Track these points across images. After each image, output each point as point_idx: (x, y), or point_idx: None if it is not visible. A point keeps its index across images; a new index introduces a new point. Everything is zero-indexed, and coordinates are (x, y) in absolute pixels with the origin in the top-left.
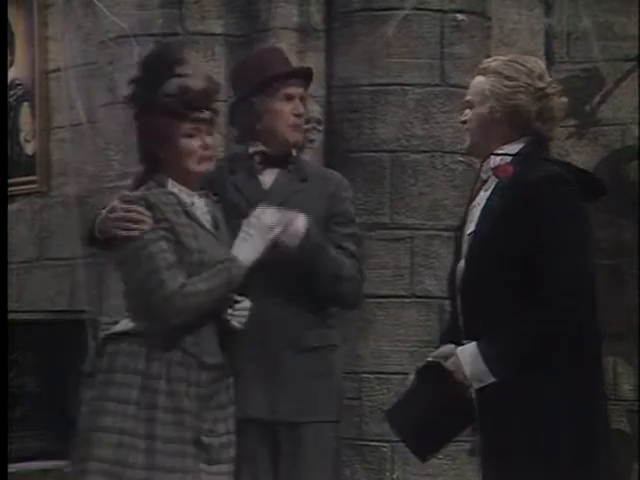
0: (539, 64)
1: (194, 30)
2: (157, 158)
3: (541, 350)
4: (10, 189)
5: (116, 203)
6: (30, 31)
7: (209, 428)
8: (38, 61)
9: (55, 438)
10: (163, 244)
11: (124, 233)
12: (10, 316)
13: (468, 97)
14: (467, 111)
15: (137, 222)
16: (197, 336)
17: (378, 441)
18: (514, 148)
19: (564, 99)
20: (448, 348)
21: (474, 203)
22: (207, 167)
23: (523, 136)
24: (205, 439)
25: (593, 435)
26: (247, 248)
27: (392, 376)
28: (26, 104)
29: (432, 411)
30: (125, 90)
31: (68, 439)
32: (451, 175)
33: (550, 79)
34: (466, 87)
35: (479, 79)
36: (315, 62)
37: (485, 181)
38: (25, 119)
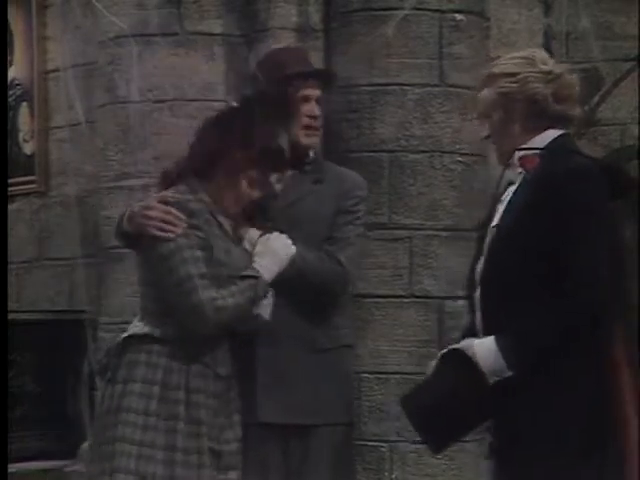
0: (537, 52)
1: (193, 30)
2: (199, 169)
3: (565, 342)
4: (9, 189)
5: (153, 201)
6: (29, 31)
7: (220, 436)
8: (37, 61)
9: (55, 438)
10: (198, 252)
11: (158, 233)
12: (10, 316)
13: (480, 111)
14: (485, 127)
15: (172, 225)
16: (213, 348)
17: (377, 441)
18: (540, 141)
19: (574, 76)
20: (468, 342)
21: (501, 199)
22: (238, 210)
23: (546, 126)
24: (217, 446)
25: (604, 429)
26: (268, 266)
27: (391, 376)
28: (25, 104)
29: (451, 399)
30: (123, 90)
31: (68, 439)
32: (450, 175)
33: (553, 60)
34: (465, 87)
35: (482, 92)
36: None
37: (512, 180)
38: (24, 119)
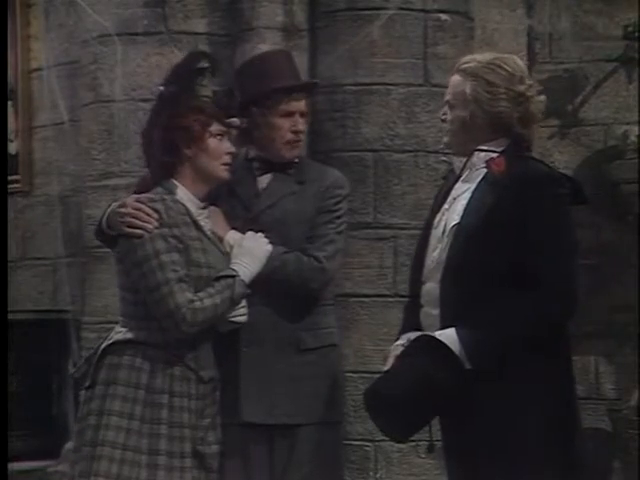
0: (519, 65)
1: (177, 29)
2: (172, 163)
3: (527, 343)
4: None
5: (128, 200)
6: (12, 30)
7: (202, 437)
8: (20, 60)
9: (39, 438)
10: (175, 255)
11: (128, 230)
12: None
13: (448, 97)
14: (446, 109)
15: (143, 221)
16: (196, 351)
17: (361, 440)
18: (497, 146)
19: (542, 97)
20: (414, 334)
21: (449, 198)
22: (226, 175)
23: (504, 137)
24: (200, 448)
25: (565, 433)
26: (246, 266)
27: (375, 375)
28: (9, 103)
29: (425, 386)
30: (107, 89)
31: (52, 439)
32: (434, 175)
33: (530, 81)
34: None
35: (458, 79)
36: (299, 62)
37: (459, 176)
38: (9, 118)
